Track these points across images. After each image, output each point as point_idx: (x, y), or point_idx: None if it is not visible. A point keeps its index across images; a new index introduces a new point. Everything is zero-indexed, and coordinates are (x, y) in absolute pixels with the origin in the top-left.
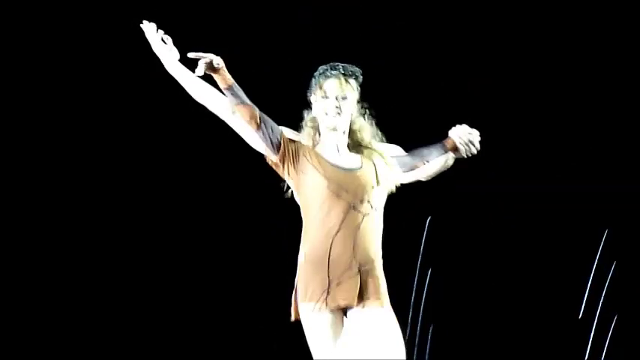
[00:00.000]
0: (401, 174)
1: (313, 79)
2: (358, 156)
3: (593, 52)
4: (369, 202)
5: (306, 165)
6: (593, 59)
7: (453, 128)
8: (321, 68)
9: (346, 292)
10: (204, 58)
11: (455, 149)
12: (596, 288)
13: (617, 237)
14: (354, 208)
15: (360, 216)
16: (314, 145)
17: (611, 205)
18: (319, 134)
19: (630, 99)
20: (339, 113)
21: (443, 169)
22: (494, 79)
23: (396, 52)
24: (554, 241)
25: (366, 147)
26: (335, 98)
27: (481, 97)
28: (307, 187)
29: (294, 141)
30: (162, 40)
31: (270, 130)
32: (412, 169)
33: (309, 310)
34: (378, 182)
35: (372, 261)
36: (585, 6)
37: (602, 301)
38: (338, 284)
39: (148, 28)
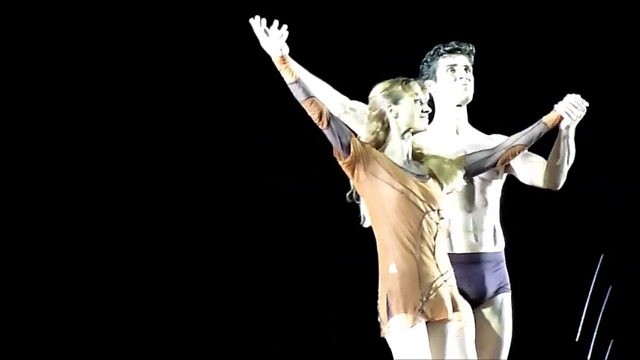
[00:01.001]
0: (466, 178)
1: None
2: (420, 163)
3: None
4: (439, 211)
5: (378, 168)
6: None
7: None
8: (394, 80)
9: (440, 305)
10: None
11: (560, 120)
12: (593, 312)
13: (613, 261)
14: (429, 216)
15: (435, 225)
16: (381, 148)
17: (607, 229)
18: (385, 137)
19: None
20: (427, 117)
21: (565, 164)
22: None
23: None
24: (551, 264)
25: (426, 154)
26: (426, 102)
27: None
28: (380, 193)
29: (364, 143)
30: (274, 33)
31: (340, 129)
32: (502, 163)
33: (406, 323)
34: (443, 191)
35: (450, 269)
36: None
37: (598, 325)
38: (431, 296)
39: (255, 24)
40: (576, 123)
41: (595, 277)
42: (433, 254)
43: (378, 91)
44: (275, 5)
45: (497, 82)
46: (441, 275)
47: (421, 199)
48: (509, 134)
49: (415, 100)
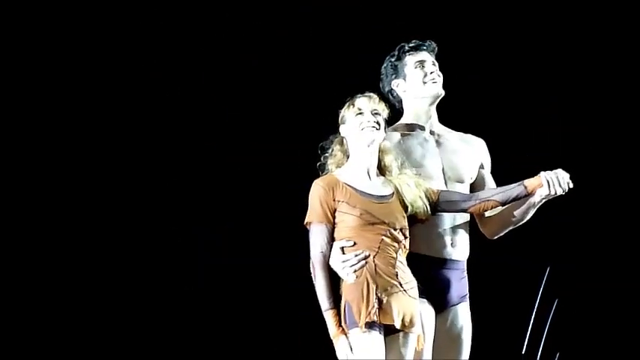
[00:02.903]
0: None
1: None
2: (387, 181)
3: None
4: (402, 229)
5: (340, 205)
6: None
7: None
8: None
9: (393, 311)
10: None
11: (539, 187)
12: (539, 325)
13: (560, 274)
14: (390, 234)
15: (397, 243)
16: (343, 167)
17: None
18: (347, 158)
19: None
20: (376, 127)
21: (514, 225)
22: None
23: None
24: (497, 276)
25: (394, 171)
26: (370, 113)
27: None
28: (342, 219)
29: (327, 200)
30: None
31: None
32: (472, 212)
33: (361, 332)
34: (407, 210)
35: (414, 282)
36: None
37: (544, 338)
38: (383, 301)
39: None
40: (551, 197)
41: (541, 289)
42: (393, 267)
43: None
44: (275, 6)
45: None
46: (400, 285)
47: (380, 220)
48: (484, 134)
49: (357, 115)
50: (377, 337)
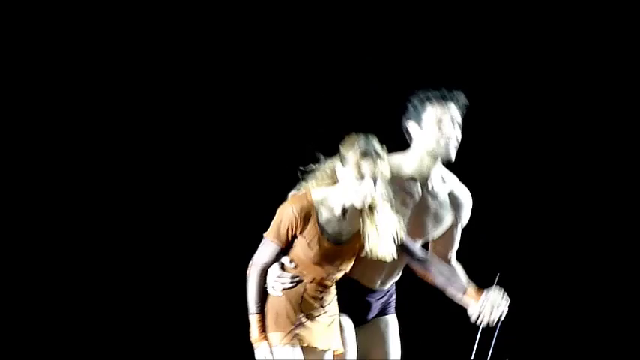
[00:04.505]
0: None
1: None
2: (359, 216)
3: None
4: (343, 269)
5: (303, 239)
6: None
7: (490, 293)
8: (362, 144)
9: (313, 332)
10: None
11: (472, 305)
12: (488, 331)
13: (508, 280)
14: (330, 271)
15: (333, 278)
16: (322, 186)
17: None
18: (333, 183)
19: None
20: (372, 192)
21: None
22: None
23: None
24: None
25: (376, 207)
26: (371, 179)
27: None
28: (297, 247)
29: (294, 228)
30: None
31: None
32: (415, 272)
33: (280, 340)
34: (363, 251)
35: (335, 306)
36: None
37: (493, 344)
38: (305, 322)
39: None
40: (472, 319)
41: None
42: (321, 293)
43: (346, 144)
44: (275, 6)
45: None
46: (322, 308)
47: (329, 263)
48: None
49: (357, 178)
50: (297, 350)
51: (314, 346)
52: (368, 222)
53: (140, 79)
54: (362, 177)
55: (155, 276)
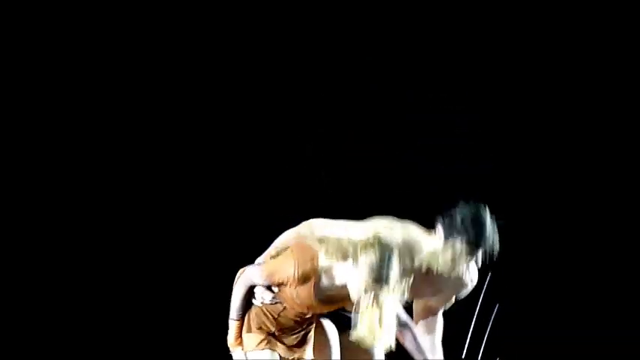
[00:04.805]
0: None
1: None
2: (347, 273)
3: None
4: (327, 311)
5: (289, 296)
6: None
7: None
8: (377, 268)
9: (291, 337)
10: None
11: None
12: (479, 330)
13: (500, 279)
14: (314, 314)
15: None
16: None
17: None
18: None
19: None
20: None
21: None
22: None
23: None
24: None
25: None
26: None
27: None
28: (287, 291)
29: (287, 284)
30: None
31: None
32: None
33: (256, 342)
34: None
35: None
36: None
37: (484, 343)
38: (282, 334)
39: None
40: None
41: (482, 295)
42: (300, 317)
43: (366, 250)
44: (276, 7)
45: None
46: (299, 326)
47: (313, 310)
48: None
49: (362, 290)
50: (273, 354)
51: (284, 357)
52: (366, 300)
53: (140, 80)
54: (366, 293)
55: (155, 276)
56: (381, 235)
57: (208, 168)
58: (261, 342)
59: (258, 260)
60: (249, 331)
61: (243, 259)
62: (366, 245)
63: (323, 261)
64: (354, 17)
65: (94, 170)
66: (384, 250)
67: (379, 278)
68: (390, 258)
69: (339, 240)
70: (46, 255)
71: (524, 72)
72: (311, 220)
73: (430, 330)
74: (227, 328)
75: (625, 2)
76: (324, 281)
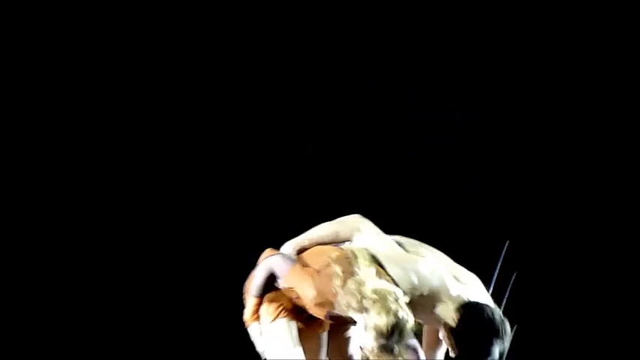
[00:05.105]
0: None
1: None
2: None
3: None
4: None
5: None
6: None
7: None
8: (385, 335)
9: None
10: None
11: None
12: (497, 298)
13: (518, 248)
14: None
15: None
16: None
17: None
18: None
19: None
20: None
21: None
22: None
23: None
24: (456, 250)
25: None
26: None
27: None
28: (301, 302)
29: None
30: None
31: None
32: None
33: (271, 316)
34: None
35: None
36: None
37: (502, 311)
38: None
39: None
40: None
41: (500, 263)
42: None
43: (380, 312)
44: (276, 7)
45: None
46: None
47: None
48: None
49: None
50: (291, 324)
51: (300, 328)
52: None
53: (140, 80)
54: (372, 353)
55: (155, 276)
56: (401, 304)
57: (208, 168)
58: (278, 314)
59: (287, 246)
60: (267, 303)
61: (243, 259)
62: (385, 308)
63: (341, 298)
64: (354, 17)
65: (94, 170)
66: (399, 325)
67: (386, 348)
68: (402, 333)
69: (362, 284)
70: (46, 255)
71: (524, 72)
72: (356, 221)
73: (437, 346)
74: (226, 328)
75: (625, 2)
76: (338, 311)
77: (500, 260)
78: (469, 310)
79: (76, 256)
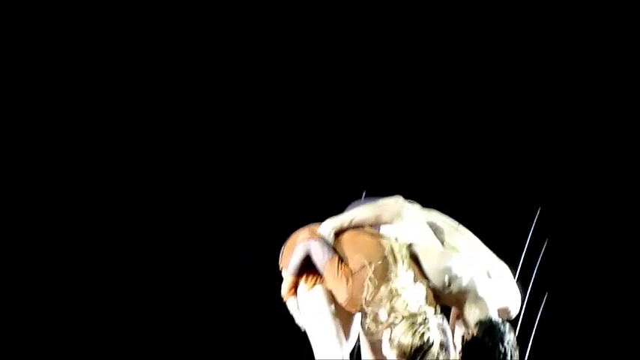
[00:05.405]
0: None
1: None
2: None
3: None
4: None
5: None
6: None
7: None
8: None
9: None
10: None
11: None
12: (528, 265)
13: (550, 215)
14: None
15: None
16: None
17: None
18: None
19: None
20: None
21: None
22: None
23: None
24: (487, 217)
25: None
26: None
27: None
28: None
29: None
30: None
31: None
32: None
33: (308, 283)
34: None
35: None
36: None
37: (533, 278)
38: None
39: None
40: None
41: (532, 230)
42: None
43: (408, 339)
44: (276, 6)
45: None
46: None
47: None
48: None
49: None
50: (328, 293)
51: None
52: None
53: (140, 80)
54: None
55: (155, 276)
56: (430, 329)
57: (208, 168)
58: (314, 284)
59: (327, 226)
60: (303, 278)
61: (242, 259)
62: (412, 329)
63: (372, 308)
64: (354, 17)
65: (94, 170)
66: (422, 348)
67: None
68: (424, 356)
69: (395, 294)
70: (45, 255)
71: (524, 72)
72: (398, 205)
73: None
74: (227, 328)
75: (625, 2)
76: (368, 316)
77: (533, 225)
78: (487, 332)
79: (76, 256)
